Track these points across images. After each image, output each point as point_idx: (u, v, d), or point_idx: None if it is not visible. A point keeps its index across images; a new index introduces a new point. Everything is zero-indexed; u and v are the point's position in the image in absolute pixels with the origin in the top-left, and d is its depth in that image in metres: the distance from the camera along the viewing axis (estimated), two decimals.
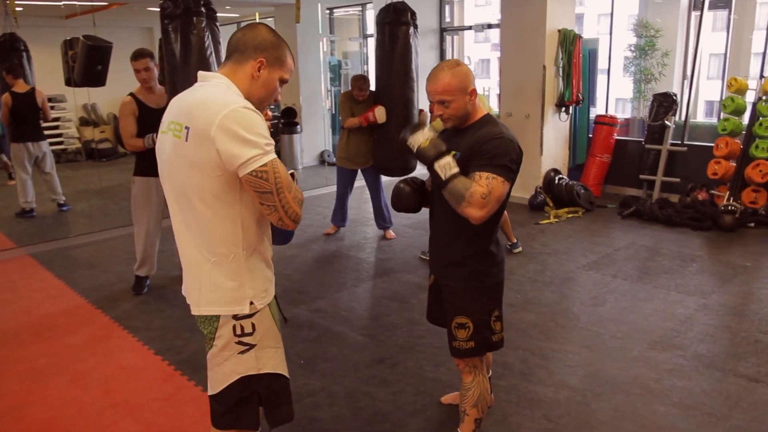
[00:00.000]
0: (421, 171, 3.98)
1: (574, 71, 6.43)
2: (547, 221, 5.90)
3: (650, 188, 6.48)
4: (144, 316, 3.89)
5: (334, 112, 9.56)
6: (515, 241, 4.95)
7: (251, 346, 1.69)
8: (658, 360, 3.15)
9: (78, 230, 5.94)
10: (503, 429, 2.59)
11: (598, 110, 7.41)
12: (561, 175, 6.54)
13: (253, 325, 1.69)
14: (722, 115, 5.96)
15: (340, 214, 5.63)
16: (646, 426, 2.59)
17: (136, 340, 3.55)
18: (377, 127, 5.06)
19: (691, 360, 3.14)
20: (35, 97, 6.06)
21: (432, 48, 8.46)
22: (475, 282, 2.15)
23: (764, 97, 5.56)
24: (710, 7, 6.75)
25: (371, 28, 9.36)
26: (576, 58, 6.41)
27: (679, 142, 6.47)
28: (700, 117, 11.39)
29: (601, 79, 7.45)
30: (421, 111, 5.20)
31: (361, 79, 5.10)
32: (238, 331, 1.68)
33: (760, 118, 5.56)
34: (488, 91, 8.98)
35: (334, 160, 6.06)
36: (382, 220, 5.51)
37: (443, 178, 1.96)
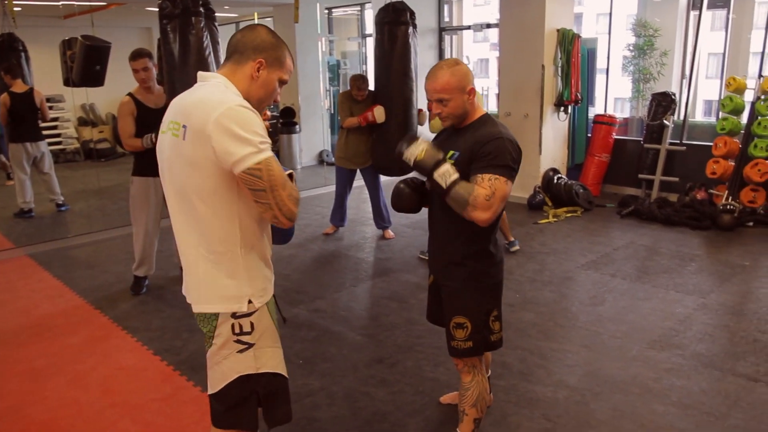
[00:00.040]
0: None
1: (573, 71, 6.43)
2: (546, 221, 5.90)
3: (649, 188, 6.48)
4: (143, 317, 3.89)
5: (332, 111, 9.57)
6: (512, 239, 4.96)
7: (250, 345, 1.70)
8: (656, 359, 3.15)
9: (76, 230, 5.93)
10: (502, 429, 2.59)
11: (596, 110, 7.41)
12: (560, 175, 6.55)
13: (252, 324, 1.69)
14: (721, 115, 5.97)
15: (338, 214, 5.63)
16: (645, 425, 2.59)
17: (134, 341, 3.54)
18: (376, 127, 5.06)
19: (690, 359, 3.14)
20: (34, 98, 6.05)
21: (431, 48, 8.46)
22: (474, 282, 2.15)
23: (763, 97, 5.57)
24: (709, 7, 6.76)
25: (370, 27, 9.36)
26: (575, 57, 6.41)
27: (678, 141, 6.48)
28: (699, 116, 11.39)
29: (599, 79, 7.45)
30: (420, 111, 5.20)
31: (360, 79, 5.10)
32: (237, 330, 1.68)
33: (759, 118, 5.56)
34: (487, 91, 8.99)
35: (333, 159, 6.06)
36: (381, 219, 5.51)
37: (444, 186, 1.96)
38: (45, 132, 6.53)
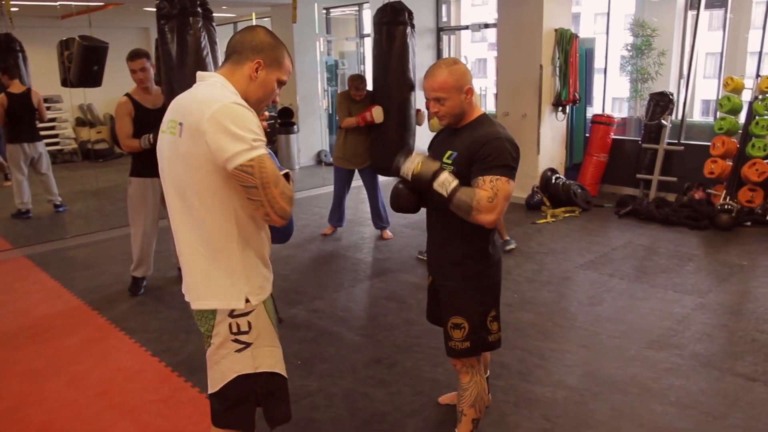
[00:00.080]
0: None
1: (571, 71, 6.44)
2: (544, 221, 5.90)
3: (647, 187, 6.49)
4: (141, 318, 3.88)
5: (331, 111, 9.57)
6: (507, 238, 4.97)
7: (247, 345, 1.70)
8: (655, 359, 3.15)
9: (74, 231, 5.92)
10: (501, 429, 2.59)
11: (594, 110, 7.42)
12: (558, 175, 6.55)
13: (249, 324, 1.70)
14: (719, 114, 5.97)
15: (337, 214, 5.62)
16: (644, 425, 2.59)
17: (132, 342, 3.54)
18: (374, 127, 5.06)
19: (689, 359, 3.14)
20: (31, 98, 6.04)
21: (429, 48, 8.46)
22: (472, 282, 2.15)
23: (760, 96, 5.57)
24: (706, 7, 6.76)
25: (368, 27, 9.36)
26: (573, 57, 6.41)
27: (676, 141, 6.48)
28: (697, 116, 11.42)
29: (597, 79, 7.46)
30: (418, 111, 5.20)
31: (358, 79, 5.09)
32: (234, 330, 1.69)
33: (757, 117, 5.57)
34: (485, 91, 8.99)
35: (331, 160, 6.05)
36: (379, 220, 5.50)
37: (446, 194, 1.97)
38: (42, 132, 6.51)
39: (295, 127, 8.99)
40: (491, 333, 2.20)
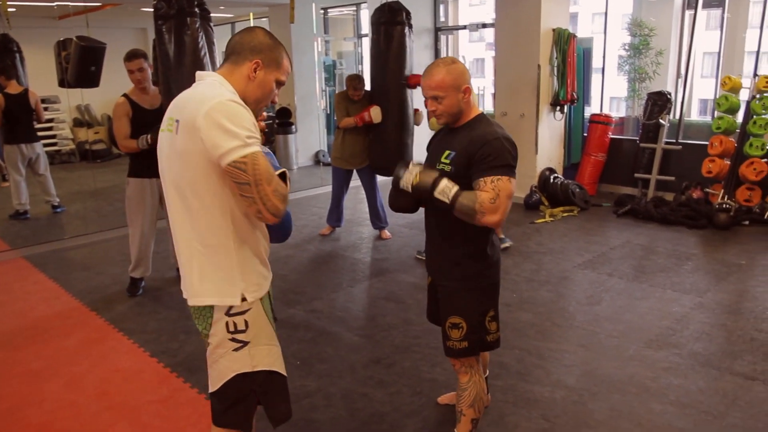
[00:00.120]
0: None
1: (569, 70, 6.44)
2: (543, 220, 5.90)
3: (645, 187, 6.50)
4: (139, 318, 3.88)
5: (329, 112, 9.56)
6: (503, 236, 4.98)
7: (245, 343, 1.71)
8: (654, 359, 3.15)
9: (72, 232, 5.91)
10: (500, 429, 2.59)
11: (592, 109, 7.42)
12: (556, 174, 6.55)
13: (246, 323, 1.70)
14: (716, 114, 5.98)
15: (335, 215, 5.62)
16: (643, 425, 2.59)
17: (131, 343, 3.53)
18: (373, 127, 5.06)
19: (687, 358, 3.15)
20: (28, 99, 6.03)
21: (427, 47, 8.46)
22: (471, 282, 2.15)
23: (758, 96, 5.58)
24: (704, 6, 6.78)
25: (366, 27, 9.35)
26: (570, 57, 6.41)
27: (674, 140, 6.49)
28: (695, 115, 11.44)
29: (595, 78, 7.47)
30: (416, 110, 5.20)
31: (356, 79, 5.09)
32: (231, 328, 1.70)
33: (754, 117, 5.58)
34: (483, 91, 8.99)
35: (330, 160, 6.05)
36: (377, 220, 5.50)
37: (448, 201, 1.97)
38: (40, 133, 6.50)
39: (293, 127, 8.99)
40: (490, 333, 2.20)
